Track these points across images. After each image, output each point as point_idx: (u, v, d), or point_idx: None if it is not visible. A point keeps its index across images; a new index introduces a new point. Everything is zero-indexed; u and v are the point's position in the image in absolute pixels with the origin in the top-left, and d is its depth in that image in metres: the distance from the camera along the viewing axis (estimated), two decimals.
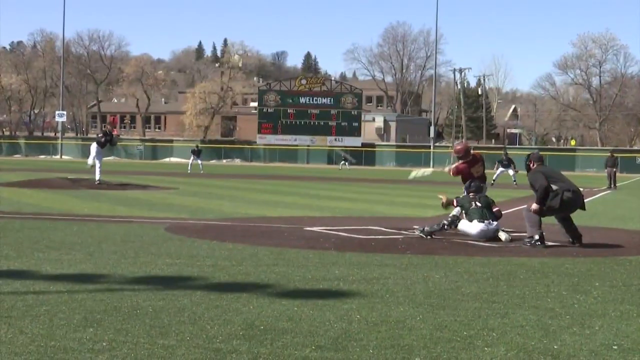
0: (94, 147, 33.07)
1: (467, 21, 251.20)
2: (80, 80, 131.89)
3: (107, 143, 33.39)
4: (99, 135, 34.24)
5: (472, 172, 17.83)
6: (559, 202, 15.27)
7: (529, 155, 16.57)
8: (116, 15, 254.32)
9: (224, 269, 11.67)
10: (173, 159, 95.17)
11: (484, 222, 16.18)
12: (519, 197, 32.32)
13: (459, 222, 16.65)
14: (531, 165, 15.99)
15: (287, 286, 10.27)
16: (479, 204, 16.54)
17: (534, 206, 15.36)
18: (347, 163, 79.20)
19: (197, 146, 63.01)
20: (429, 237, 16.20)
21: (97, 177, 32.64)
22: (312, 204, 26.42)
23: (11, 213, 20.37)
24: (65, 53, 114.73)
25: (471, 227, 16.26)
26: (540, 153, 17.13)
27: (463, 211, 16.76)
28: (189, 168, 57.62)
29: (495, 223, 16.29)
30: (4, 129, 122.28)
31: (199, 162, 57.98)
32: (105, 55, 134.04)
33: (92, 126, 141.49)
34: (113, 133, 34.59)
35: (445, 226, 16.58)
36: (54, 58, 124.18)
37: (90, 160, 33.52)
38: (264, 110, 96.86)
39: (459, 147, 18.41)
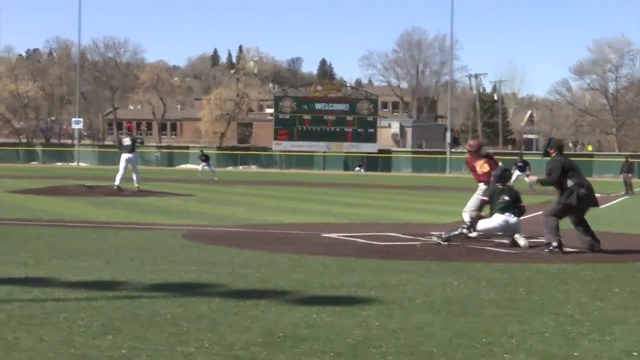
0: (126, 157, 33.30)
1: (483, 27, 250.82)
2: (96, 87, 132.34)
3: (135, 143, 34.00)
4: (134, 139, 34.53)
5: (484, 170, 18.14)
6: (576, 200, 15.24)
7: (549, 139, 16.50)
8: (131, 22, 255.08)
9: (242, 275, 11.67)
10: (189, 166, 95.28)
11: (504, 214, 16.10)
12: (536, 202, 32.20)
13: (476, 223, 16.60)
14: (551, 152, 15.91)
15: (306, 293, 10.25)
16: (506, 197, 16.43)
17: (534, 177, 15.48)
18: (362, 169, 79.08)
19: (201, 151, 63.52)
20: (446, 243, 16.16)
21: (117, 182, 32.87)
22: (329, 211, 26.42)
23: (29, 220, 20.42)
24: (81, 60, 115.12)
25: (491, 221, 16.20)
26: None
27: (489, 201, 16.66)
28: (200, 174, 57.96)
29: (516, 219, 16.20)
30: (21, 136, 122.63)
31: (210, 168, 58.24)
32: (120, 62, 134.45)
33: (109, 133, 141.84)
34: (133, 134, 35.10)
35: (464, 231, 16.54)
36: (69, 65, 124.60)
37: (135, 179, 33.86)
38: (280, 116, 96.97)
39: (472, 142, 19.37)
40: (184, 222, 20.69)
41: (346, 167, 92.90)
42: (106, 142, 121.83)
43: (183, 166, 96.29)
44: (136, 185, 33.50)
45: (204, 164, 58.78)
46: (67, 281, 10.80)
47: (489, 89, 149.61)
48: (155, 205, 27.53)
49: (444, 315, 8.99)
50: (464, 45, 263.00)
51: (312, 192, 40.64)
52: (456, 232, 16.50)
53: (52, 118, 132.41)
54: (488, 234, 16.75)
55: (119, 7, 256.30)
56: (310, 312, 8.96)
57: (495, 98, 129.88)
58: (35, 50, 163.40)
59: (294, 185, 48.37)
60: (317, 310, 9.04)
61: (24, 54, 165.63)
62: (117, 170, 33.97)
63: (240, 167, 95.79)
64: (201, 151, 64.18)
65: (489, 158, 18.50)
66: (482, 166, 18.15)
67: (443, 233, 16.72)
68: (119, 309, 8.90)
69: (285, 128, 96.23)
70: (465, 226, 16.64)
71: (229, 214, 24.19)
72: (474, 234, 16.77)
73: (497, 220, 16.13)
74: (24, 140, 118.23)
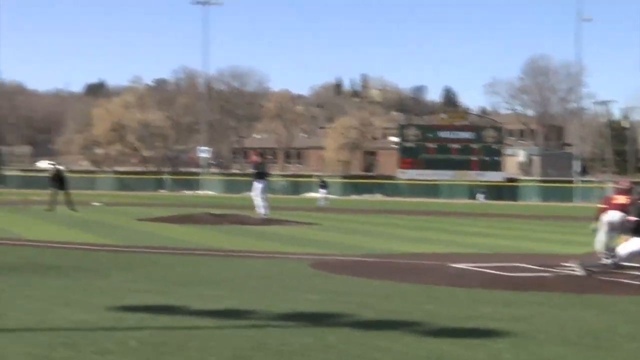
0: (259, 185, 33.79)
1: (611, 52, 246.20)
2: (222, 116, 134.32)
3: (264, 172, 34.59)
4: (265, 166, 35.32)
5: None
6: None
7: None
8: (256, 51, 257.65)
9: (369, 305, 11.55)
10: (314, 194, 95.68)
11: None
12: None
13: (616, 250, 16.15)
14: None
15: (435, 324, 10.05)
16: None
17: None
18: (484, 196, 78.33)
19: (322, 180, 64.27)
20: (586, 273, 15.68)
21: (265, 211, 33.27)
22: (456, 240, 26.11)
23: (158, 248, 20.70)
24: (207, 89, 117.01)
25: (631, 245, 15.69)
26: None
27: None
28: (320, 202, 58.55)
29: None
30: (149, 165, 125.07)
31: (327, 195, 59.08)
32: (246, 91, 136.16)
33: (235, 161, 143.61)
34: (258, 162, 35.46)
35: (607, 260, 16.12)
36: (196, 94, 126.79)
37: (260, 205, 34.16)
38: (405, 145, 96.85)
39: (625, 182, 19.12)
40: (310, 251, 20.69)
41: (472, 196, 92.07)
42: (232, 170, 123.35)
43: (308, 194, 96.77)
44: (264, 212, 33.74)
45: (323, 190, 59.82)
46: (197, 309, 10.83)
47: (618, 116, 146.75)
48: (281, 233, 27.62)
49: (578, 348, 8.72)
50: (592, 72, 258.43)
51: (438, 221, 40.31)
52: (598, 263, 16.07)
53: (180, 146, 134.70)
54: (629, 259, 16.25)
55: (244, 37, 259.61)
56: (440, 343, 8.79)
57: (625, 125, 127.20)
58: (163, 80, 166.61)
59: (419, 214, 48.06)
60: (447, 342, 8.86)
61: (152, 84, 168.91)
62: (246, 199, 34.40)
63: (365, 196, 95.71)
64: (322, 180, 64.92)
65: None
66: (622, 200, 17.82)
67: (583, 263, 16.29)
68: (249, 338, 8.86)
69: (410, 156, 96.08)
70: (606, 256, 16.22)
71: (355, 242, 24.11)
72: (612, 264, 16.34)
73: (637, 243, 15.62)
74: (152, 169, 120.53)
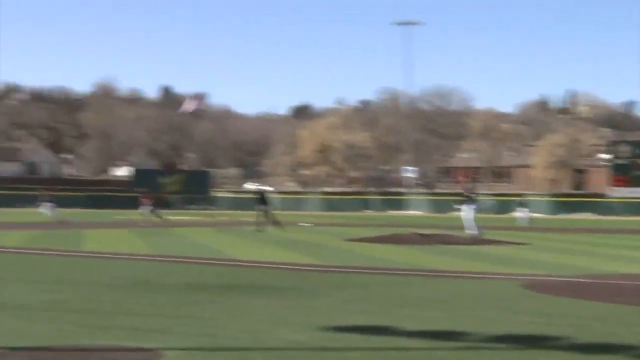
0: (469, 209, 34.00)
1: None
2: (426, 136, 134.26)
3: (474, 193, 34.63)
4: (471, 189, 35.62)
5: None
6: None
7: None
8: (459, 70, 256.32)
9: (585, 328, 11.15)
10: (518, 214, 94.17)
11: None
12: None
13: None
14: None
15: None
16: None
17: None
18: None
19: (523, 199, 64.71)
20: None
21: (477, 231, 33.28)
22: None
23: (365, 268, 20.71)
24: (411, 109, 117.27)
25: None
26: None
27: None
28: (522, 221, 58.25)
29: None
30: (355, 185, 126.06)
31: (528, 215, 58.92)
32: (450, 110, 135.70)
33: (441, 181, 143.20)
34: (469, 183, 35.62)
35: None
36: (400, 115, 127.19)
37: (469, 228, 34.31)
38: (617, 162, 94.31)
39: None
40: (522, 271, 20.23)
41: None
42: (438, 190, 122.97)
43: (516, 214, 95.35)
44: (477, 233, 33.57)
45: (525, 209, 59.89)
46: (407, 330, 10.71)
47: None
48: (490, 253, 27.18)
49: None
50: None
51: None
52: None
53: (385, 167, 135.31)
54: None
55: (447, 56, 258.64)
56: None
57: None
58: (367, 101, 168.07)
59: (634, 233, 46.51)
60: None
61: (356, 105, 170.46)
62: (454, 219, 34.39)
63: (575, 215, 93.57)
64: (522, 198, 65.08)
65: None
66: None
67: None
68: None
69: (622, 174, 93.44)
70: None
71: (568, 262, 23.43)
72: None
73: None
74: (357, 189, 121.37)
